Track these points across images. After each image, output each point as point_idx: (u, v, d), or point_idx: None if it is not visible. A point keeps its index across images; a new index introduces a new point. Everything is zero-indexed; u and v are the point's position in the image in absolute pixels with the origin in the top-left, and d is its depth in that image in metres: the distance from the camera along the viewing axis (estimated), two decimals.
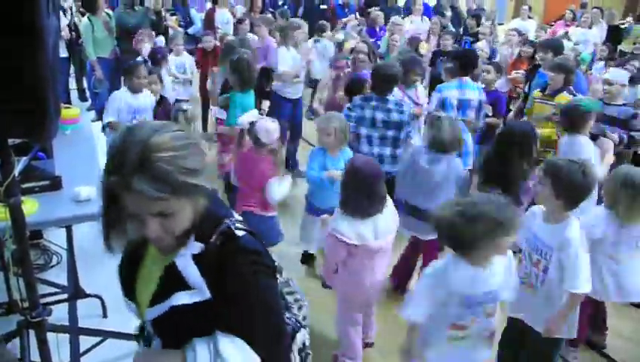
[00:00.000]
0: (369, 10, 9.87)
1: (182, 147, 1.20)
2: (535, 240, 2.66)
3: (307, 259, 4.24)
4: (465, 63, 4.74)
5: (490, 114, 5.06)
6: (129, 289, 1.45)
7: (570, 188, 2.49)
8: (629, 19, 10.48)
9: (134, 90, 4.39)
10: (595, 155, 3.76)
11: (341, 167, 3.48)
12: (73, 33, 7.13)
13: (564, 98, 4.49)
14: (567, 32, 8.66)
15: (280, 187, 3.47)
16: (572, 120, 3.84)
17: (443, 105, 4.59)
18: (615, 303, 3.41)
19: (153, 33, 6.65)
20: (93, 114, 7.18)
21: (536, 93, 4.84)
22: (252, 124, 3.54)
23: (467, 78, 4.69)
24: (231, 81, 4.39)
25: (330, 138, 3.68)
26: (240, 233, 1.32)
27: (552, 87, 4.66)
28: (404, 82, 4.72)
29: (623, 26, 9.96)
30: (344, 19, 9.09)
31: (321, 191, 3.75)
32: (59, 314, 3.05)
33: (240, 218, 1.38)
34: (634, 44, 8.74)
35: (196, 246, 1.29)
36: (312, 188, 3.88)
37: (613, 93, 4.54)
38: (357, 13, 9.94)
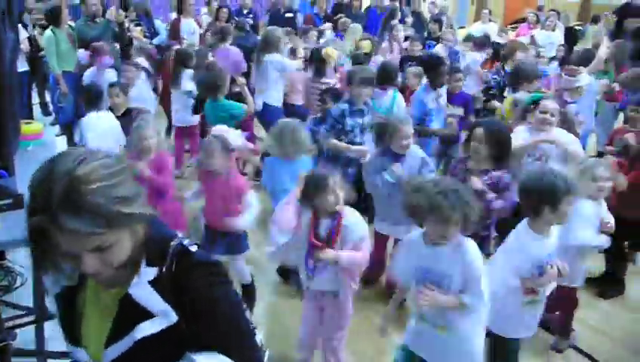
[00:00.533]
0: (337, 17, 9.97)
1: (112, 175, 1.11)
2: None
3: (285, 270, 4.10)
4: (434, 69, 4.88)
5: (462, 115, 5.16)
6: (73, 334, 1.33)
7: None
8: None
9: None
10: None
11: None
12: (33, 46, 6.98)
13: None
14: (532, 36, 8.85)
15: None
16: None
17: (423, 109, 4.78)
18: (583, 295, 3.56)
19: (109, 47, 6.47)
20: (57, 128, 7.02)
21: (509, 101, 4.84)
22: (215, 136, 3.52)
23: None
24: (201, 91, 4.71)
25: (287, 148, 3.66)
26: (193, 248, 1.29)
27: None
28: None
29: (578, 28, 10.27)
30: (320, 27, 9.07)
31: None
32: (25, 337, 2.97)
33: (185, 236, 1.34)
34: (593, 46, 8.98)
35: (150, 272, 1.23)
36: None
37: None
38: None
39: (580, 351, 3.45)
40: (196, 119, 5.87)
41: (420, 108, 4.83)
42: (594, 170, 3.17)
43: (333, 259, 2.71)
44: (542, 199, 2.50)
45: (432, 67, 4.99)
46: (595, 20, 11.28)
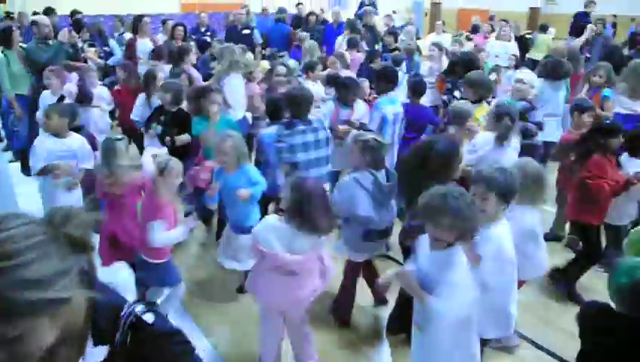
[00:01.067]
0: (295, 32, 10.06)
1: (26, 249, 0.89)
2: None
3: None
4: (388, 79, 4.92)
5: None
6: None
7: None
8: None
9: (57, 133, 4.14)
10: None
11: (241, 185, 3.60)
12: None
13: (483, 109, 4.75)
14: (481, 48, 9.11)
15: (165, 233, 3.27)
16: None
17: (383, 121, 4.73)
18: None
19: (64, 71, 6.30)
20: (9, 155, 6.79)
21: (484, 109, 4.90)
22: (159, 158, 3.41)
23: (394, 93, 4.83)
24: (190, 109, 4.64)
25: (227, 157, 3.67)
26: (148, 317, 1.14)
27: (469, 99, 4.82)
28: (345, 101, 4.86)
29: (528, 36, 10.65)
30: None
31: (235, 208, 3.75)
32: None
33: (140, 302, 1.18)
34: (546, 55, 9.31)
35: (99, 352, 1.07)
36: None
37: (522, 91, 5.12)
38: None
39: (553, 355, 3.52)
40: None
41: (376, 119, 4.82)
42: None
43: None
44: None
45: (391, 78, 5.03)
46: (544, 29, 11.75)
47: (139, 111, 5.28)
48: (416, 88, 5.16)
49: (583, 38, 8.57)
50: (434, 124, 5.25)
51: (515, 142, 4.13)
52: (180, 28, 7.93)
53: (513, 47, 9.16)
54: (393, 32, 9.67)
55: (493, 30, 10.46)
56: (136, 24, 7.87)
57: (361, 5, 11.03)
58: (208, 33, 9.14)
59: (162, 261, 3.43)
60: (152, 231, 3.21)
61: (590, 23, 9.31)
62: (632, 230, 3.29)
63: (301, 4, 11.79)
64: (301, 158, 4.11)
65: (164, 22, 9.00)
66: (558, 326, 3.76)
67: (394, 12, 14.64)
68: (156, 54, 6.94)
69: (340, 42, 9.00)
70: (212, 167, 4.04)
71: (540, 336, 3.67)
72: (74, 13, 9.65)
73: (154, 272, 3.43)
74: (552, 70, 5.92)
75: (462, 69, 5.81)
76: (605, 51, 8.22)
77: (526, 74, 5.82)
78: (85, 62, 7.54)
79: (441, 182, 2.58)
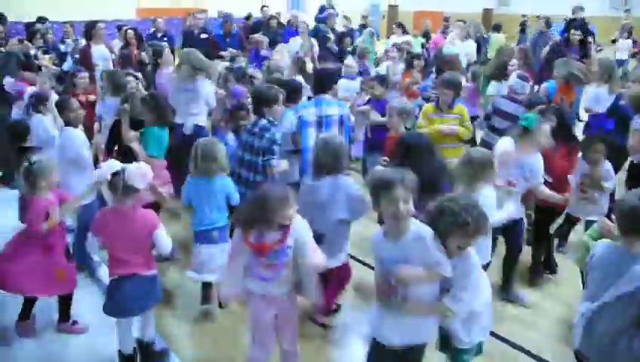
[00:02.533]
0: (252, 35, 10.05)
1: None
2: None
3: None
4: (320, 82, 4.82)
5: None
6: None
7: None
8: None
9: None
10: None
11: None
12: None
13: (461, 108, 4.88)
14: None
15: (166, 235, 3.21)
16: None
17: (300, 124, 4.55)
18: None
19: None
20: None
21: (430, 108, 4.98)
22: (116, 174, 3.08)
23: (326, 96, 4.67)
24: (148, 118, 4.33)
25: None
26: None
27: (445, 101, 4.85)
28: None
29: (484, 36, 10.98)
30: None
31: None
32: None
33: None
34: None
35: None
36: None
37: None
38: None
39: (513, 345, 3.61)
40: None
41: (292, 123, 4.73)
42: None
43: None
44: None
45: (321, 82, 4.87)
46: (497, 29, 12.12)
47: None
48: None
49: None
50: None
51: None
52: (130, 32, 7.81)
53: (473, 47, 9.44)
54: (350, 35, 9.78)
55: (445, 31, 10.77)
56: (90, 30, 7.72)
57: (322, 9, 11.10)
58: (165, 39, 9.03)
59: (156, 271, 3.26)
60: (161, 238, 3.13)
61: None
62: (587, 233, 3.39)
63: (266, 6, 11.80)
64: (246, 158, 4.20)
65: (119, 28, 8.86)
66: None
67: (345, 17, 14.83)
68: (124, 61, 6.83)
69: (292, 44, 9.07)
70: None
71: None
72: (40, 19, 9.37)
73: (153, 286, 3.22)
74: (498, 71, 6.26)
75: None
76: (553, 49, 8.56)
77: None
78: (40, 69, 7.37)
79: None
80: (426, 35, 11.90)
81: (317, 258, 2.86)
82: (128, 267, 3.08)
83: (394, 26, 11.70)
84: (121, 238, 3.07)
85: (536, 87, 6.98)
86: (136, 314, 3.23)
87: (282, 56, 7.40)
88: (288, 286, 2.91)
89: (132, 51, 7.74)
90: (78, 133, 4.34)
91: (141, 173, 3.11)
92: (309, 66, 7.30)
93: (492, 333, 3.62)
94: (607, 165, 4.20)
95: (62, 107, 4.33)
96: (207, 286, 3.89)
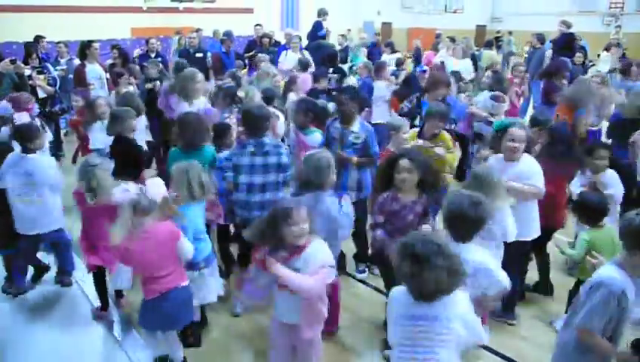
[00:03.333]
0: (250, 54, 10.15)
1: None
2: None
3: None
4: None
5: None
6: None
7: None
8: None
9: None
10: None
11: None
12: None
13: (443, 137, 4.65)
14: (442, 62, 9.40)
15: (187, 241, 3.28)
16: None
17: None
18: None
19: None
20: None
21: (413, 135, 4.75)
22: (138, 195, 3.17)
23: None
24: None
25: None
26: None
27: (429, 131, 4.65)
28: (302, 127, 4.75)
29: (475, 52, 11.07)
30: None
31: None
32: None
33: None
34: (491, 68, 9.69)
35: None
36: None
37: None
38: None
39: (508, 359, 3.63)
40: None
41: (323, 137, 4.68)
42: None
43: (275, 273, 2.64)
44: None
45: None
46: (489, 45, 12.23)
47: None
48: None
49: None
50: None
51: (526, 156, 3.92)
52: (115, 50, 7.88)
53: (468, 63, 9.50)
54: (345, 52, 9.84)
55: (436, 48, 10.87)
56: (84, 50, 7.75)
57: (319, 26, 11.19)
58: (159, 59, 9.07)
59: (187, 281, 3.32)
60: (184, 247, 3.19)
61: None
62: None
63: (260, 25, 11.88)
64: (243, 180, 3.92)
65: (113, 47, 8.90)
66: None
67: (349, 30, 15.01)
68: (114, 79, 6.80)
69: (283, 60, 9.11)
70: None
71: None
72: (37, 38, 9.40)
73: (190, 295, 3.30)
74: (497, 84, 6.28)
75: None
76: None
77: None
78: (34, 89, 7.37)
79: None
80: (418, 55, 12.01)
81: (303, 280, 2.66)
82: (166, 282, 3.15)
83: (382, 45, 11.81)
84: (152, 257, 3.10)
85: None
86: (184, 325, 3.37)
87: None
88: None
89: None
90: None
91: (157, 187, 3.24)
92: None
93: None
94: (611, 172, 4.23)
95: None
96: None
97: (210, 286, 3.67)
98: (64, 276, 4.55)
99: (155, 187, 3.26)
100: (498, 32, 17.12)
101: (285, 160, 4.00)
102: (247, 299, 2.99)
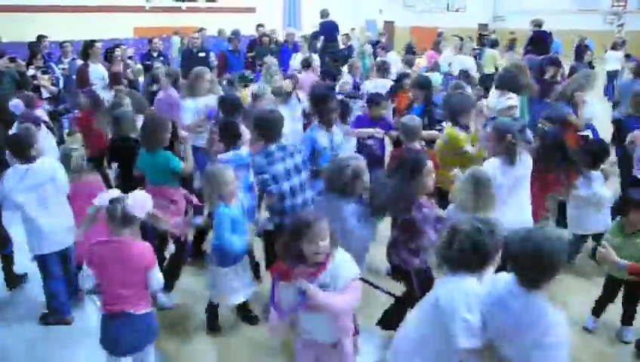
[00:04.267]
0: (252, 54, 10.20)
1: None
2: None
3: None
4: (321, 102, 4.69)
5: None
6: None
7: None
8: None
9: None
10: None
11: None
12: None
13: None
14: (436, 62, 9.40)
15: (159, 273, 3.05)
16: None
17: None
18: None
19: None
20: None
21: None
22: (114, 201, 2.96)
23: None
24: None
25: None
26: None
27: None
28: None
29: (476, 52, 11.08)
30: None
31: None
32: None
33: None
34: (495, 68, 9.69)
35: None
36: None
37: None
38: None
39: None
40: None
41: (309, 147, 4.41)
42: None
43: (307, 291, 2.42)
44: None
45: (321, 102, 4.59)
46: (493, 45, 12.20)
47: None
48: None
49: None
50: None
51: (526, 159, 3.92)
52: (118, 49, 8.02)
53: (471, 62, 9.47)
54: (349, 50, 9.86)
55: (438, 48, 10.86)
56: (87, 50, 7.80)
57: (336, 27, 11.32)
58: (161, 58, 9.12)
59: (150, 308, 3.08)
60: (154, 278, 2.97)
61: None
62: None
63: (262, 25, 11.91)
64: (286, 187, 3.87)
65: (116, 46, 8.95)
66: None
67: (353, 29, 15.03)
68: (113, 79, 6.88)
69: (293, 62, 9.18)
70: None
71: None
72: (40, 38, 9.45)
73: (146, 324, 3.02)
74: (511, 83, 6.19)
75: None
76: None
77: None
78: (38, 88, 7.43)
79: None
80: (409, 52, 12.00)
81: (337, 300, 2.47)
82: (120, 303, 2.91)
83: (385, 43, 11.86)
84: (115, 271, 2.89)
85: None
86: (129, 354, 3.04)
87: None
88: (334, 337, 2.63)
89: (117, 69, 7.89)
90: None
91: (141, 201, 2.99)
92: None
93: None
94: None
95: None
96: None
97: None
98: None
99: (137, 200, 2.97)
100: (484, 30, 17.15)
101: (305, 153, 4.14)
102: (275, 321, 2.66)
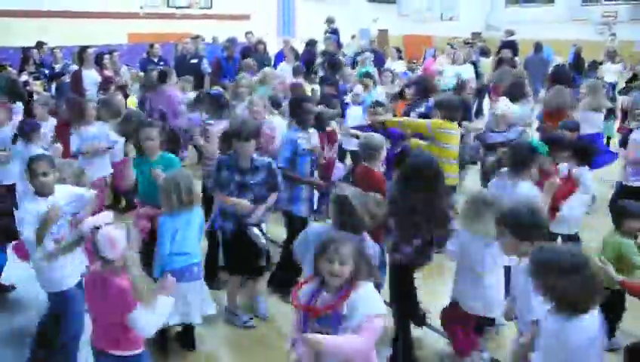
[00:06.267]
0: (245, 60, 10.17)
1: None
2: None
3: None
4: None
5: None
6: None
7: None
8: None
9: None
10: None
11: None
12: None
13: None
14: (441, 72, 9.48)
15: (153, 315, 2.62)
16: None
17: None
18: None
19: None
20: None
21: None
22: (96, 229, 2.58)
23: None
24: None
25: None
26: None
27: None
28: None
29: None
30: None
31: None
32: None
33: None
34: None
35: None
36: None
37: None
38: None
39: None
40: None
41: (289, 149, 4.42)
42: None
43: (313, 345, 2.24)
44: None
45: (298, 106, 4.66)
46: (486, 54, 12.29)
47: None
48: None
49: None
50: None
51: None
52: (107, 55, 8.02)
53: (469, 69, 9.55)
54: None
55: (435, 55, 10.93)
56: (82, 55, 7.78)
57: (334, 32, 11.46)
58: (162, 63, 9.10)
59: (140, 349, 2.80)
60: (138, 321, 2.58)
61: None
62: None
63: (250, 32, 11.90)
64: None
65: (109, 53, 8.93)
66: None
67: (353, 37, 15.07)
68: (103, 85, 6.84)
69: (282, 68, 9.16)
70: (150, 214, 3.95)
71: None
72: (39, 44, 9.40)
73: None
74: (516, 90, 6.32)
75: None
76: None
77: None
78: (31, 95, 7.38)
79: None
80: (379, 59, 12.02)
81: (350, 343, 2.29)
82: (100, 339, 2.73)
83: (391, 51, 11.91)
84: (95, 306, 2.70)
85: None
86: None
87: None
88: None
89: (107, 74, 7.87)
90: None
91: (110, 239, 2.52)
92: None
93: None
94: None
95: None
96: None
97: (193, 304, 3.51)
98: None
99: (106, 238, 2.53)
100: (473, 38, 17.34)
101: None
102: (300, 351, 2.46)
